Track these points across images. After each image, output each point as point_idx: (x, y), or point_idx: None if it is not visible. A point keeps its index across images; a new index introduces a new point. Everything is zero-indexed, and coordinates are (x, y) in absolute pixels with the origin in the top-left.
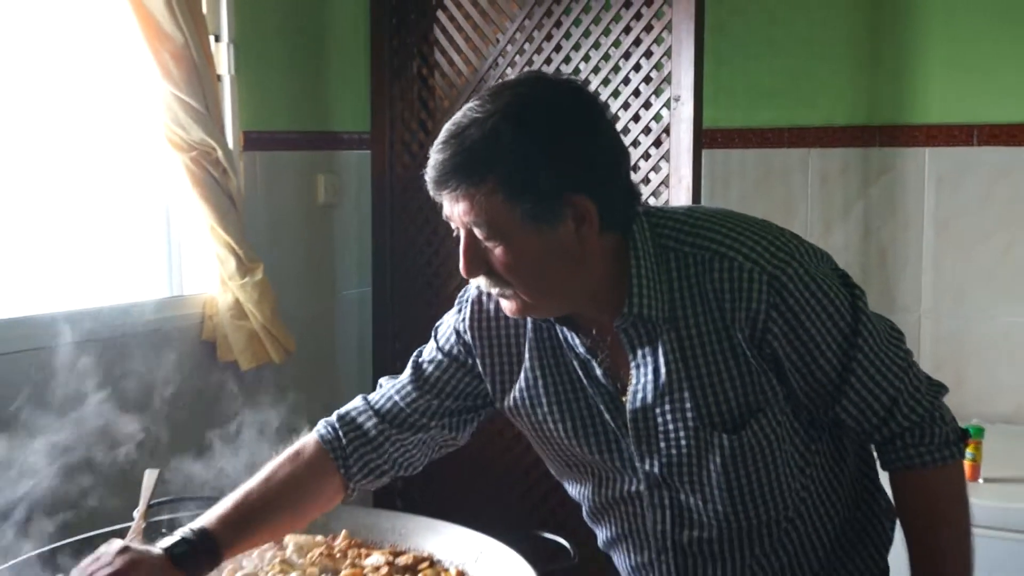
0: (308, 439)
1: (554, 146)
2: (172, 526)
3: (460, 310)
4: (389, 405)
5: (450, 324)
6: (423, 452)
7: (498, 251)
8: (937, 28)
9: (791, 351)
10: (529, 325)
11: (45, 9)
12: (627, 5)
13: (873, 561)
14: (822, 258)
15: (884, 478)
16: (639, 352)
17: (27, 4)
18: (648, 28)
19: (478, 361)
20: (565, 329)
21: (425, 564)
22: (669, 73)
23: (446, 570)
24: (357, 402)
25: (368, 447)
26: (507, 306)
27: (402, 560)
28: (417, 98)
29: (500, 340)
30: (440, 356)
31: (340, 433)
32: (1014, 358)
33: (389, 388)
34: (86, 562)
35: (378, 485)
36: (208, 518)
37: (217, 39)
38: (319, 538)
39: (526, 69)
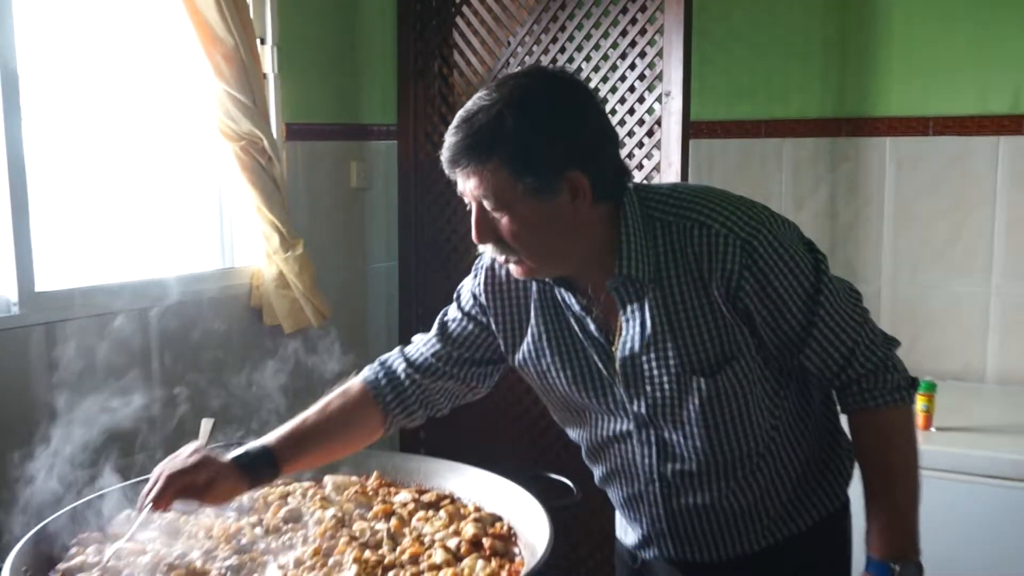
0: (355, 380)
1: (550, 129)
2: None
3: (476, 276)
4: (419, 357)
5: (468, 288)
6: (446, 398)
7: (504, 220)
8: (897, 31)
9: (761, 307)
10: (534, 288)
11: (113, 17)
12: (624, 11)
13: (835, 493)
14: (790, 227)
15: (844, 423)
16: (628, 308)
17: (97, 14)
18: (642, 32)
19: (492, 320)
20: (562, 290)
21: (447, 500)
22: (661, 71)
23: (465, 506)
24: (395, 352)
25: (400, 389)
26: (514, 270)
27: (426, 497)
28: (438, 94)
29: (510, 302)
30: (461, 315)
31: (380, 377)
32: (962, 323)
33: (419, 343)
34: (164, 461)
35: (412, 423)
36: (270, 438)
37: (263, 42)
38: (353, 478)
39: None
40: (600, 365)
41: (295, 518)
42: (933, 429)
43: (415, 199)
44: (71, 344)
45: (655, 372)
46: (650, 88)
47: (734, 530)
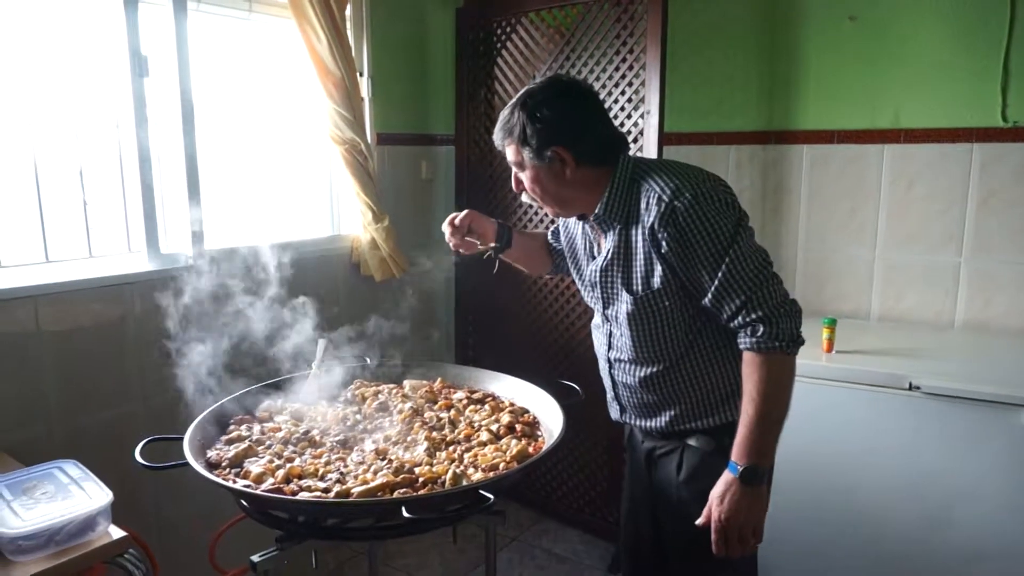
0: (543, 233)
1: (539, 120)
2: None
3: (562, 222)
4: (553, 240)
5: (557, 226)
6: (563, 266)
7: (523, 176)
8: (811, 68)
9: (677, 257)
10: (581, 224)
11: (256, 55)
12: (617, 52)
13: (731, 414)
14: (719, 197)
15: None
16: (605, 237)
17: (244, 54)
18: (631, 68)
19: (564, 245)
20: (585, 224)
21: (490, 398)
22: (644, 96)
23: (503, 402)
24: (548, 236)
25: (552, 251)
26: (548, 210)
27: (476, 395)
28: (483, 113)
29: (567, 231)
30: (554, 240)
31: (549, 240)
32: (854, 278)
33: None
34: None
35: (560, 273)
36: (511, 225)
37: (361, 75)
38: (424, 382)
39: None
40: (590, 274)
41: (384, 408)
42: (834, 351)
43: (466, 187)
44: (230, 285)
45: (607, 283)
46: (635, 108)
47: (652, 410)
